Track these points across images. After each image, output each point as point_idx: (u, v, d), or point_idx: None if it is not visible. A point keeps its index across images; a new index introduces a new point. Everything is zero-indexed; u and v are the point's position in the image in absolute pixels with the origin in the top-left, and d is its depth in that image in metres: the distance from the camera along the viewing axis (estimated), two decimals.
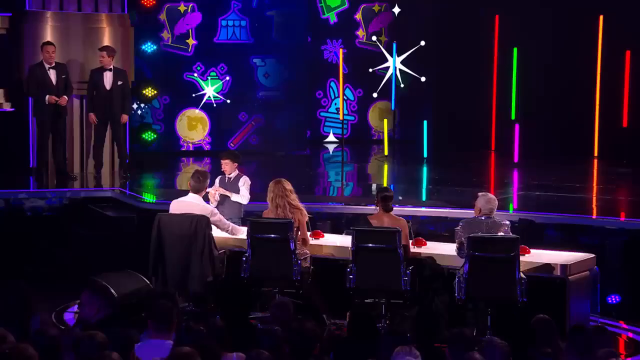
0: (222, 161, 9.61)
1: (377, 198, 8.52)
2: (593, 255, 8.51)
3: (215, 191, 9.39)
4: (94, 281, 8.15)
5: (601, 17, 13.83)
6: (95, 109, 12.36)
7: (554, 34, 14.30)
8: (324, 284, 8.68)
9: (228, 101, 14.89)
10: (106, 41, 12.74)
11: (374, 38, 15.83)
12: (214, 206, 9.21)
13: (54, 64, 12.07)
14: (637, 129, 13.44)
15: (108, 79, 12.27)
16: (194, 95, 14.76)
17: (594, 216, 10.39)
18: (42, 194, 11.45)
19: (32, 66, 12.19)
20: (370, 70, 15.64)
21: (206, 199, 9.16)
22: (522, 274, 7.83)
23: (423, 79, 15.47)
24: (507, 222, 8.20)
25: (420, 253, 8.47)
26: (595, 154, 14.03)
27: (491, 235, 7.99)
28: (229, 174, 9.55)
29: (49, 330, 5.48)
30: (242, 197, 9.47)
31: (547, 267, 8.14)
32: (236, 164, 9.57)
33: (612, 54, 13.79)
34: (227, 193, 9.46)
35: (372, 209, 8.88)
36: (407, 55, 15.42)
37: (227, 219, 9.15)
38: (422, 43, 15.09)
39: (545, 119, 14.40)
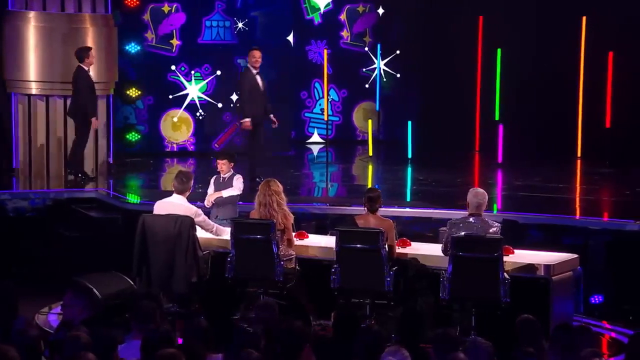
0: (219, 161, 9.69)
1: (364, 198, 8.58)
2: (576, 256, 8.55)
3: (209, 202, 9.48)
4: (78, 282, 8.14)
5: (584, 19, 13.89)
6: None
7: (537, 35, 14.34)
8: (310, 285, 8.69)
9: (220, 105, 14.85)
10: (90, 42, 12.69)
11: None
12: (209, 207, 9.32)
13: (258, 70, 11.84)
14: (619, 130, 13.49)
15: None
16: (170, 96, 14.71)
17: (577, 216, 10.43)
18: (24, 195, 11.41)
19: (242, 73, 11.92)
20: (364, 70, 15.72)
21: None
22: (505, 274, 7.86)
23: (398, 75, 15.53)
24: (497, 224, 8.17)
25: (405, 254, 8.49)
26: (579, 154, 14.09)
27: (475, 236, 8.01)
28: (224, 174, 9.61)
29: (30, 331, 5.46)
30: (234, 189, 9.55)
31: (531, 267, 8.17)
32: (232, 164, 9.66)
33: (595, 55, 13.85)
34: (218, 194, 9.53)
35: (355, 209, 8.89)
36: (393, 57, 15.48)
37: (223, 220, 9.21)
38: (397, 52, 15.14)
39: (529, 120, 14.44)
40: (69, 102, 12.80)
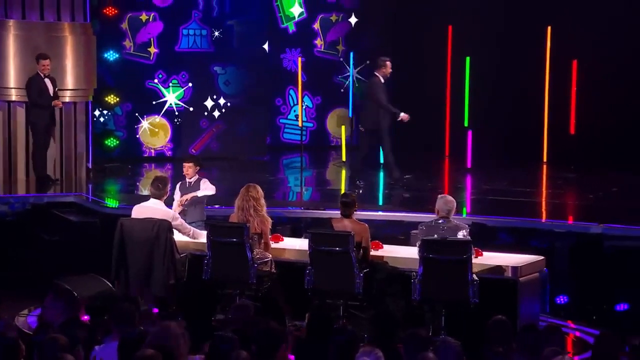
0: (186, 164, 9.68)
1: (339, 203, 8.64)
2: (542, 258, 8.61)
3: (180, 205, 9.43)
4: (57, 284, 8.09)
5: (549, 28, 13.99)
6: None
7: (504, 44, 14.43)
8: (285, 286, 8.70)
9: (191, 109, 14.86)
10: (69, 50, 12.63)
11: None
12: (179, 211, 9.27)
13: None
14: (583, 136, 13.60)
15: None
16: (154, 102, 14.71)
17: (543, 220, 10.50)
18: (5, 200, 11.32)
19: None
20: (338, 77, 15.76)
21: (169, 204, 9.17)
22: (474, 276, 7.90)
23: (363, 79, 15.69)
24: (466, 226, 8.25)
25: (377, 256, 8.52)
26: (544, 159, 14.18)
27: (444, 238, 8.06)
28: (190, 178, 9.62)
29: (9, 332, 5.43)
30: (207, 189, 9.55)
31: (499, 269, 8.22)
32: (198, 168, 9.65)
33: (560, 64, 13.95)
34: (193, 194, 9.50)
35: (329, 212, 8.92)
36: (365, 65, 15.53)
37: (191, 222, 9.19)
38: (367, 62, 15.28)
39: (496, 126, 14.51)
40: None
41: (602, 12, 13.60)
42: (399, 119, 12.15)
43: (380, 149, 12.62)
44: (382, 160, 14.29)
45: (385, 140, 12.25)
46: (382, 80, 12.11)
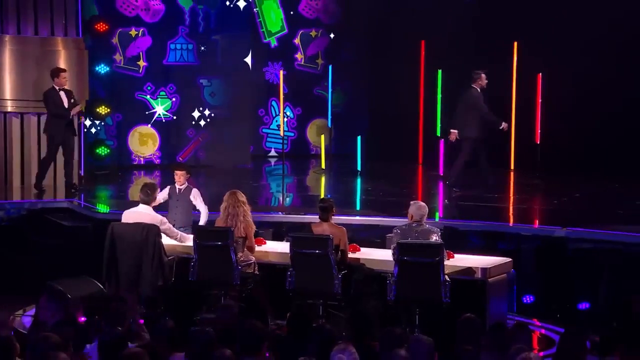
0: (178, 172, 9.64)
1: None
2: (510, 259, 8.65)
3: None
4: (51, 286, 8.06)
5: (515, 44, 14.07)
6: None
7: (474, 59, 14.47)
8: (268, 287, 8.70)
9: (174, 117, 14.87)
10: (62, 63, 12.59)
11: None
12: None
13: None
14: (548, 145, 13.67)
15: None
16: (146, 112, 14.70)
17: (511, 224, 10.54)
18: (1, 205, 11.26)
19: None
20: (317, 89, 15.77)
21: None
22: (446, 277, 7.93)
23: (348, 94, 15.62)
24: (437, 230, 8.31)
25: (355, 258, 8.53)
26: (512, 167, 14.24)
27: (418, 241, 8.09)
28: (180, 185, 9.59)
29: (3, 332, 5.40)
30: (205, 214, 9.37)
31: (469, 270, 8.25)
32: (189, 176, 9.61)
33: (526, 77, 14.02)
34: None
35: (309, 217, 8.93)
36: (343, 78, 15.56)
37: (179, 227, 9.18)
38: (346, 78, 15.32)
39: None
40: (42, 118, 12.65)
41: (565, 29, 13.71)
42: (501, 127, 12.20)
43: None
44: (359, 168, 14.34)
45: (466, 149, 12.24)
46: (479, 91, 12.14)
